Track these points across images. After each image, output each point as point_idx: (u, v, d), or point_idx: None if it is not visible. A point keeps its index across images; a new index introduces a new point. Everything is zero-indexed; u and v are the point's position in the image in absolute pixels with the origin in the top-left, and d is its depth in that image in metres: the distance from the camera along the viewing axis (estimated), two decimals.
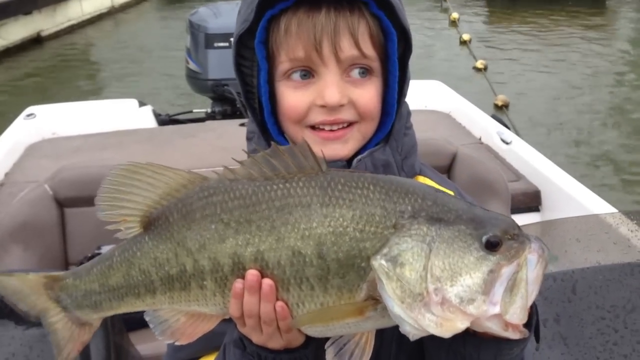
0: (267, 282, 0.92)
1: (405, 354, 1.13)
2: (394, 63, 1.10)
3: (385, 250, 0.88)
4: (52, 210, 2.50)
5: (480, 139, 3.90)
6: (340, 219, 0.90)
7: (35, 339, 1.50)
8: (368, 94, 1.09)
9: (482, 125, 3.99)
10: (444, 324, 0.86)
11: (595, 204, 2.95)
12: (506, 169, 3.41)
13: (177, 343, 0.99)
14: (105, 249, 2.32)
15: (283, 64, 1.08)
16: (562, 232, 1.71)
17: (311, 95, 1.07)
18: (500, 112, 7.47)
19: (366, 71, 1.09)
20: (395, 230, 0.89)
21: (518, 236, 0.89)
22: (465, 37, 12.03)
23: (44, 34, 13.68)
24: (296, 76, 1.08)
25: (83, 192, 2.48)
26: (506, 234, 0.89)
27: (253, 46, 1.09)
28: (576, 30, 13.48)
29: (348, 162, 1.11)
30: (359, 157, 1.11)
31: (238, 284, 0.93)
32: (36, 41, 13.39)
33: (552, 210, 3.16)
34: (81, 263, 2.44)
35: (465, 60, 10.88)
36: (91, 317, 1.02)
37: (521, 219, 2.99)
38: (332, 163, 1.08)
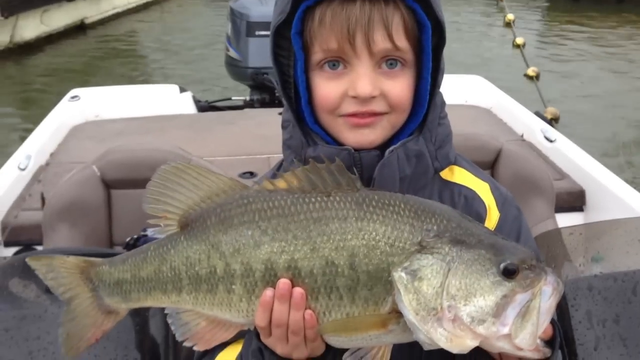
0: (298, 290, 0.95)
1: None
2: (427, 55, 1.11)
3: (406, 264, 0.94)
4: (99, 191, 2.54)
5: (522, 135, 3.83)
6: (373, 233, 0.95)
7: None
8: (399, 86, 1.10)
9: (525, 121, 3.92)
10: (454, 340, 0.91)
11: None
12: (550, 167, 3.34)
13: (194, 348, 1.01)
14: (150, 232, 2.36)
15: (317, 54, 1.09)
16: (623, 232, 1.68)
17: (344, 86, 1.09)
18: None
19: (399, 63, 1.09)
20: (420, 247, 0.94)
21: (535, 267, 0.94)
22: (519, 40, 11.13)
23: (88, 21, 13.84)
24: (328, 67, 1.09)
25: (130, 174, 2.51)
26: (524, 263, 0.93)
27: (290, 36, 1.10)
28: None
29: (381, 152, 1.12)
30: (392, 147, 1.12)
31: (268, 291, 0.95)
32: (80, 28, 13.54)
33: (597, 210, 3.10)
34: (127, 244, 2.46)
35: (517, 66, 10.07)
36: (119, 306, 1.06)
37: (564, 219, 2.94)
38: (366, 152, 1.11)
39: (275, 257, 0.96)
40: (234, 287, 0.97)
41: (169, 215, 1.01)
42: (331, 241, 0.95)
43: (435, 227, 0.95)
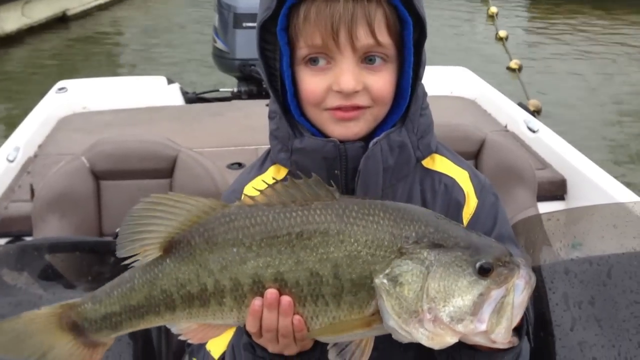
0: (285, 298, 1.00)
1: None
2: (409, 50, 1.15)
3: (387, 271, 0.98)
4: (88, 182, 2.55)
5: (506, 126, 3.89)
6: (355, 244, 0.99)
7: None
8: (382, 81, 1.14)
9: (509, 112, 3.98)
10: (435, 338, 0.97)
11: (621, 194, 2.95)
12: (532, 157, 3.40)
13: (189, 342, 1.06)
14: None
15: (302, 50, 1.13)
16: (599, 218, 1.75)
17: (328, 80, 1.12)
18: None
19: (378, 59, 1.13)
20: (400, 253, 0.99)
21: (509, 263, 0.99)
22: (502, 33, 11.32)
23: (69, 13, 13.60)
24: (313, 62, 1.13)
25: (119, 165, 2.54)
26: (498, 260, 0.99)
27: (275, 31, 1.14)
28: (627, 32, 12.37)
29: (365, 143, 1.17)
30: (375, 139, 1.16)
31: (257, 301, 1.00)
32: (61, 20, 13.31)
33: (578, 199, 3.17)
34: (116, 234, 2.49)
35: (500, 58, 10.15)
36: (108, 337, 1.07)
37: (546, 207, 3.00)
38: (351, 144, 1.16)
39: (261, 271, 1.00)
40: (224, 300, 1.02)
41: (147, 247, 1.03)
42: (314, 254, 0.99)
43: (413, 234, 0.99)
